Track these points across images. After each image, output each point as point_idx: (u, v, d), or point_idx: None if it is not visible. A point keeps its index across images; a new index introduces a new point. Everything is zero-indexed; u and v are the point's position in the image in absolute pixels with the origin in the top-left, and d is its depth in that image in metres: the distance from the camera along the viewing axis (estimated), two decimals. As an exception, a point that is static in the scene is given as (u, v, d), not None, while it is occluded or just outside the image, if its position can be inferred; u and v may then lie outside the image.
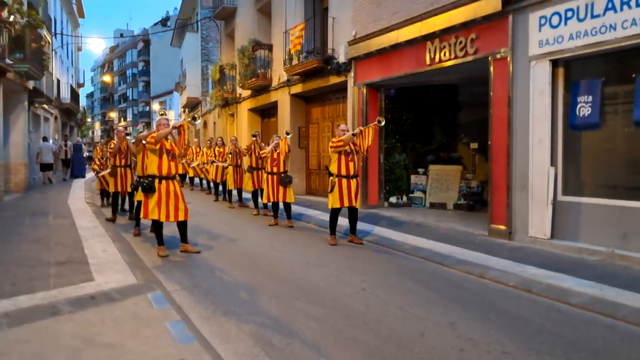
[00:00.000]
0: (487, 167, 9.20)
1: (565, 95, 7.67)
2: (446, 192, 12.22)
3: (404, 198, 12.58)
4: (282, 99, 16.70)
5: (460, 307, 5.10)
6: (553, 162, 7.70)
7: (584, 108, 7.32)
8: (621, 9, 6.58)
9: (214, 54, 29.10)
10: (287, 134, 10.12)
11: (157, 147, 7.02)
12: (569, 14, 7.23)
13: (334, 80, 13.39)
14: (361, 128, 8.28)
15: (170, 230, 8.09)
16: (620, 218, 6.88)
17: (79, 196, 14.74)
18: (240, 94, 20.87)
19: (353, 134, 8.07)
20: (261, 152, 10.83)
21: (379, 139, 11.84)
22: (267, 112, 19.78)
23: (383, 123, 8.16)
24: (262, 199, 10.73)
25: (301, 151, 16.32)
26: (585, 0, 7.01)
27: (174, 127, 7.12)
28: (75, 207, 12.20)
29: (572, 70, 7.66)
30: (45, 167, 19.64)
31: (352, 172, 8.19)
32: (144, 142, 7.30)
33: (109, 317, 4.52)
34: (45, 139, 20.55)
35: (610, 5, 6.71)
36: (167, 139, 7.15)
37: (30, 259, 6.53)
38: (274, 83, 17.33)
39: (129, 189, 10.02)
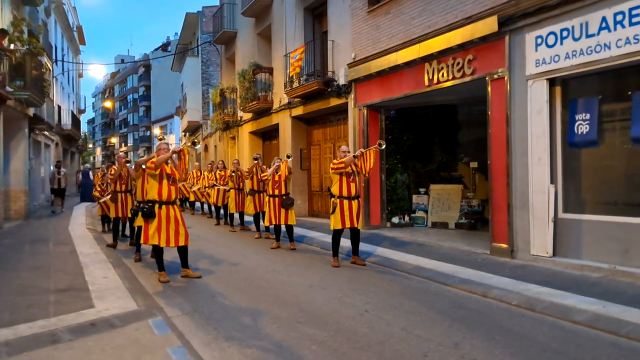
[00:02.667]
0: (487, 186, 9.21)
1: (563, 114, 7.71)
2: (447, 212, 12.21)
3: (406, 218, 12.58)
4: (283, 121, 16.79)
5: (463, 327, 5.06)
6: (553, 180, 7.71)
7: (582, 126, 7.35)
8: (615, 29, 6.66)
9: (215, 78, 29.35)
10: (288, 157, 10.15)
11: (157, 172, 7.03)
12: (565, 33, 7.31)
13: (334, 102, 13.48)
14: (362, 150, 8.31)
15: (170, 255, 8.06)
16: (621, 234, 6.86)
17: (80, 222, 14.75)
18: (241, 117, 20.99)
19: (354, 156, 8.11)
20: (262, 175, 10.84)
21: (380, 160, 11.88)
22: (268, 135, 19.87)
23: (384, 146, 8.22)
24: (263, 221, 10.70)
25: (303, 173, 16.36)
26: (580, 19, 7.09)
27: (173, 152, 7.14)
28: (76, 233, 12.20)
29: (569, 89, 7.71)
30: (53, 191, 21.23)
31: (353, 193, 8.20)
32: (143, 167, 7.32)
33: (110, 345, 4.49)
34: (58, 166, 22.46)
35: (604, 25, 6.79)
36: (167, 164, 7.17)
37: (30, 287, 6.51)
38: (275, 106, 17.44)
39: (130, 215, 10.02)
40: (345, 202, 8.17)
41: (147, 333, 4.79)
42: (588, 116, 7.29)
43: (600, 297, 5.71)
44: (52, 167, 22.89)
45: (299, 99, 15.32)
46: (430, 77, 9.90)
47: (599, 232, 7.15)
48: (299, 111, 15.62)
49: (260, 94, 17.86)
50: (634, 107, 6.75)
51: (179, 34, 36.96)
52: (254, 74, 18.08)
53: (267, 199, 10.30)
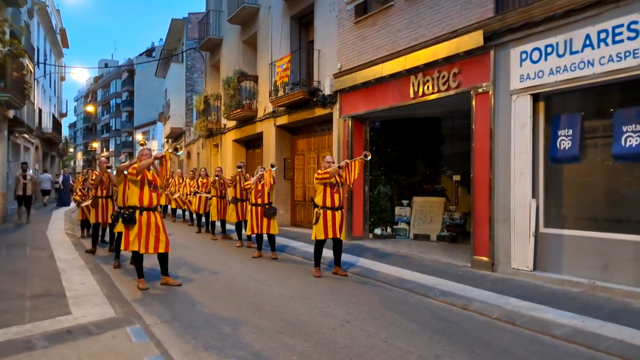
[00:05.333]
0: (469, 199, 9.26)
1: (546, 129, 7.79)
2: (430, 224, 12.25)
3: (389, 229, 12.58)
4: (268, 130, 16.75)
5: (444, 339, 5.06)
6: (535, 195, 7.78)
7: (565, 141, 7.43)
8: (598, 46, 6.76)
9: (199, 85, 29.23)
10: (272, 166, 10.11)
11: (139, 178, 6.95)
12: (549, 49, 7.41)
13: (319, 112, 13.48)
14: (347, 161, 8.31)
15: (150, 262, 7.96)
16: (601, 250, 6.93)
17: (59, 227, 14.51)
18: (224, 125, 20.91)
19: (339, 167, 8.10)
20: (245, 184, 10.76)
21: (364, 171, 11.87)
22: (252, 143, 19.80)
23: (369, 157, 8.22)
24: (245, 230, 10.62)
25: (286, 182, 16.30)
26: (564, 36, 7.20)
27: (155, 158, 7.07)
28: (54, 238, 12.00)
29: (552, 105, 7.80)
30: (44, 192, 24.23)
31: (337, 204, 8.18)
32: (125, 172, 7.23)
33: (86, 352, 4.40)
34: (45, 171, 27.21)
35: (588, 42, 6.89)
36: (148, 170, 7.10)
37: (5, 292, 6.37)
38: (259, 114, 17.39)
39: (110, 220, 9.89)
40: (329, 212, 8.15)
41: (125, 341, 4.71)
42: (570, 132, 7.37)
43: (580, 312, 5.75)
44: (30, 171, 22.78)
45: (283, 108, 15.30)
46: (416, 90, 9.95)
47: (579, 247, 7.21)
48: (283, 120, 15.60)
49: (244, 102, 17.80)
50: (615, 125, 6.84)
51: (164, 40, 36.77)
52: (239, 82, 18.03)
53: (249, 207, 10.22)
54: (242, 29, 19.47)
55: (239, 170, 11.67)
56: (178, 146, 7.93)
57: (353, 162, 8.21)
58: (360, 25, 11.82)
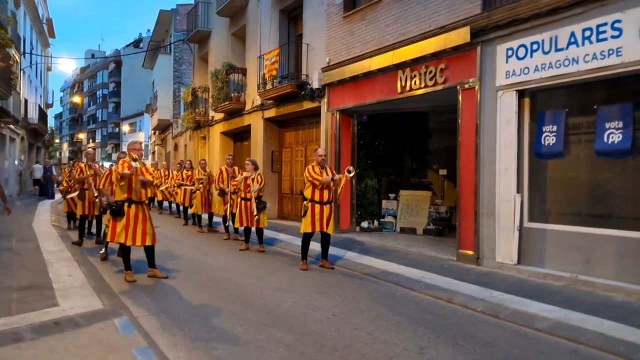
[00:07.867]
0: (455, 193, 9.35)
1: (531, 125, 7.88)
2: (416, 217, 12.34)
3: (375, 223, 12.65)
4: (256, 122, 16.73)
5: (429, 332, 5.13)
6: (519, 190, 7.87)
7: (549, 137, 7.53)
8: (583, 44, 6.85)
9: (187, 76, 29.08)
10: (256, 169, 10.07)
11: (123, 183, 6.99)
12: (535, 46, 7.49)
13: (307, 105, 13.49)
14: (339, 176, 8.30)
15: (138, 254, 7.96)
16: (583, 244, 7.05)
17: (45, 219, 14.42)
18: (212, 117, 20.84)
19: (332, 179, 8.13)
20: (233, 183, 10.74)
21: (351, 164, 11.95)
22: (240, 136, 19.77)
23: (353, 173, 8.26)
24: (233, 223, 10.62)
25: (274, 175, 16.31)
26: (550, 34, 7.28)
27: (131, 174, 6.97)
28: (40, 230, 11.94)
29: (537, 101, 7.89)
30: (36, 182, 25.24)
31: (326, 198, 8.23)
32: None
33: (73, 344, 4.42)
34: (38, 162, 29.35)
35: (572, 40, 6.98)
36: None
37: (-8, 284, 6.36)
38: (248, 107, 17.36)
39: (97, 212, 9.86)
40: (317, 206, 8.19)
41: (112, 333, 4.74)
42: (555, 128, 7.47)
43: (562, 305, 5.85)
44: (16, 162, 22.68)
45: (271, 101, 15.29)
46: (403, 84, 10.01)
47: (563, 242, 7.32)
48: (271, 113, 15.59)
49: (232, 95, 17.75)
50: (599, 121, 6.95)
51: (151, 31, 36.50)
52: (227, 74, 17.97)
53: (238, 201, 10.16)
54: (231, 21, 19.39)
55: (228, 168, 11.65)
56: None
57: (340, 179, 8.26)
58: (349, 19, 11.84)
